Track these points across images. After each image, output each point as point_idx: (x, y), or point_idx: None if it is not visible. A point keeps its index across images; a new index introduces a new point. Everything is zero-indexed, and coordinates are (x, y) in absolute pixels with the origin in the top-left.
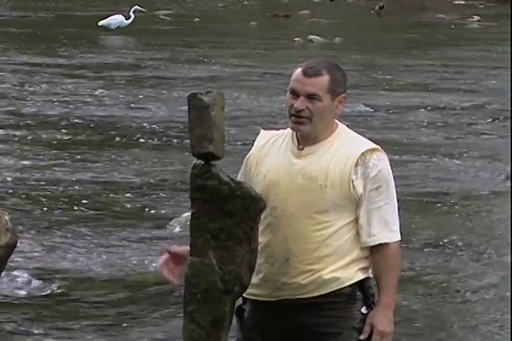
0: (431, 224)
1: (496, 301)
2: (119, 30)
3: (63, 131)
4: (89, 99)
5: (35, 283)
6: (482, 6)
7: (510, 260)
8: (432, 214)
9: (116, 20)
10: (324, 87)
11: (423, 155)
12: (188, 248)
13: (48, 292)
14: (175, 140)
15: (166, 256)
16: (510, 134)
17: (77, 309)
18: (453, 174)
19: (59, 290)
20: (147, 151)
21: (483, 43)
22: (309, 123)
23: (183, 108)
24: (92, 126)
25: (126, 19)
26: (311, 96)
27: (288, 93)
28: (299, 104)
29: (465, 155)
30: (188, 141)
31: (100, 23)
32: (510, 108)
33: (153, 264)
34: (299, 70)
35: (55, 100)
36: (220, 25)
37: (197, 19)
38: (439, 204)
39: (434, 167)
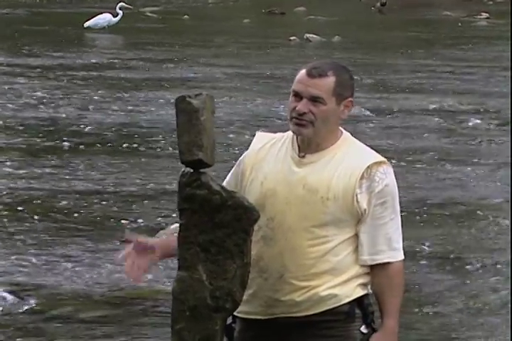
0: (439, 235)
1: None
2: (104, 28)
3: (3, 134)
4: (41, 101)
5: (11, 299)
6: (491, 3)
7: (510, 262)
8: (437, 225)
9: (105, 19)
10: (329, 90)
11: (426, 161)
12: (151, 240)
13: (25, 308)
14: (134, 145)
15: (130, 248)
16: (510, 135)
17: (55, 327)
18: (459, 182)
19: (36, 307)
20: (103, 157)
21: (491, 42)
22: (311, 126)
23: (144, 109)
24: (43, 129)
25: (114, 17)
26: (314, 99)
27: (290, 95)
28: (302, 106)
29: (471, 161)
30: (148, 146)
31: (86, 24)
32: (510, 111)
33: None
34: (303, 71)
35: (3, 101)
36: (210, 23)
37: (186, 16)
38: (441, 214)
39: (439, 174)
